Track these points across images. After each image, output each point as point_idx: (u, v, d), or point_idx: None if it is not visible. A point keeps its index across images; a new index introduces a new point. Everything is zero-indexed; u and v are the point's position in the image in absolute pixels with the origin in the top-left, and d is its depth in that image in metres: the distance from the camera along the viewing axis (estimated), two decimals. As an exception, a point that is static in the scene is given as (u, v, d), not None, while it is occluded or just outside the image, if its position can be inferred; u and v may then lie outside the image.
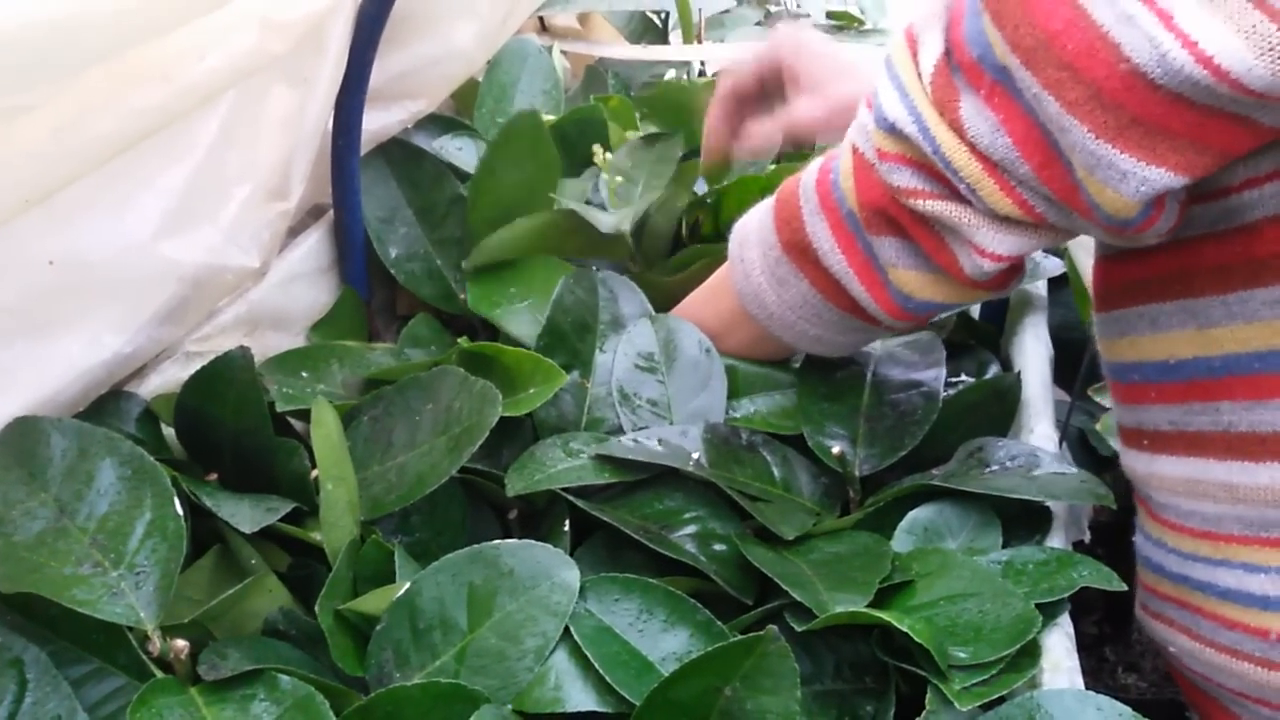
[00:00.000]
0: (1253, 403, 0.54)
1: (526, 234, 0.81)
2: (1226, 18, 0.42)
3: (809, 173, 0.63)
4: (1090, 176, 0.48)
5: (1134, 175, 0.46)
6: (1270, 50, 0.41)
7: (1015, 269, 0.59)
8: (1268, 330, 0.52)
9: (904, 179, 0.55)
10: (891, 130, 0.55)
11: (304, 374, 0.71)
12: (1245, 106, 0.44)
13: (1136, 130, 0.45)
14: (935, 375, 0.72)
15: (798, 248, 0.64)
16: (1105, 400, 1.03)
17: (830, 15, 1.62)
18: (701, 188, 0.90)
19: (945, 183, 0.54)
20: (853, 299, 0.63)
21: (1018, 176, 0.51)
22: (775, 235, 0.65)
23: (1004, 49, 0.48)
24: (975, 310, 0.91)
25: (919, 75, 0.54)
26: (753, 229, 0.67)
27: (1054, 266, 0.90)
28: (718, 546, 0.61)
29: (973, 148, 0.51)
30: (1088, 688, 0.51)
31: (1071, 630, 0.57)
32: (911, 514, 0.64)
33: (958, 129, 0.52)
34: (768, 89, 0.81)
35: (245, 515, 0.57)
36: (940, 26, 0.53)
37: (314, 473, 0.61)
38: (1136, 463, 0.63)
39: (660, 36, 1.41)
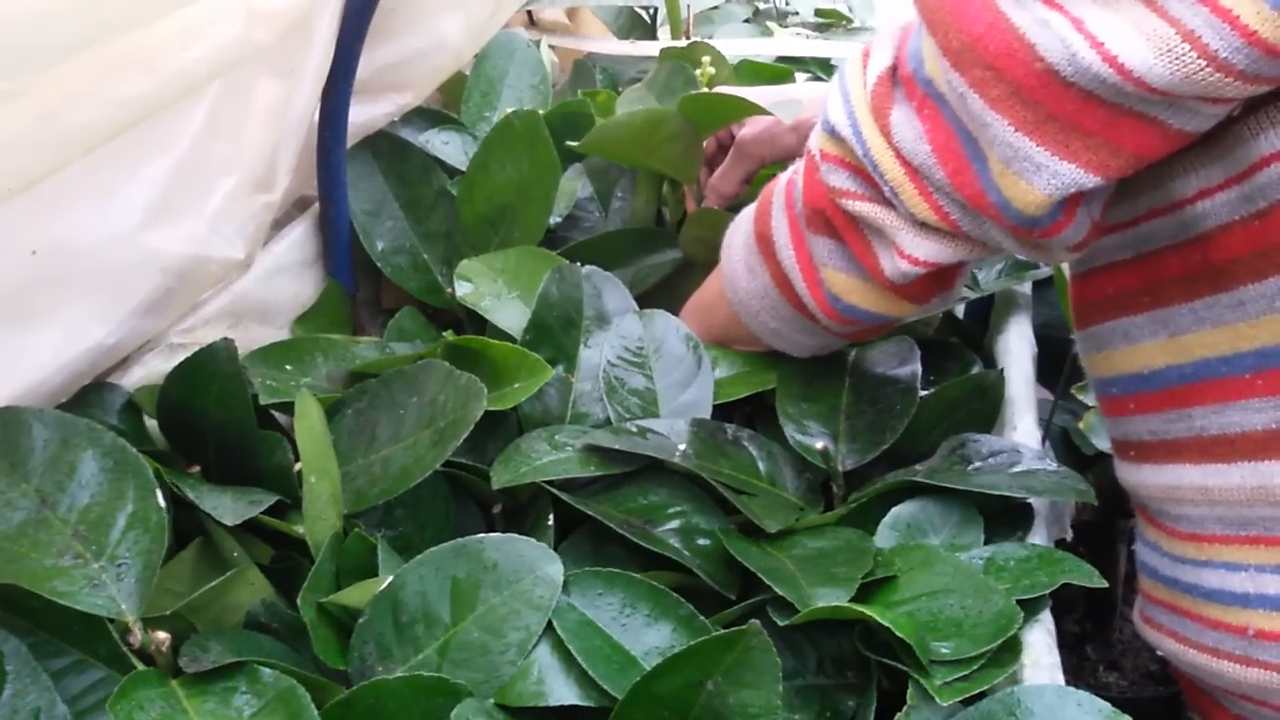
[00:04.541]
0: (1221, 405, 0.55)
1: (633, 126, 0.81)
2: (1130, 23, 0.44)
3: (788, 170, 0.66)
4: (1007, 169, 0.50)
5: (1047, 168, 0.48)
6: (1169, 51, 0.44)
7: (937, 282, 0.61)
8: (1232, 334, 0.54)
9: (839, 180, 0.58)
10: (832, 133, 0.58)
11: (288, 367, 0.71)
12: (1152, 106, 0.46)
13: (1053, 126, 0.48)
14: (911, 372, 0.73)
15: (765, 239, 0.66)
16: (1088, 399, 1.03)
17: (819, 13, 1.62)
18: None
19: (873, 185, 0.57)
20: (798, 295, 0.65)
21: (934, 183, 0.54)
22: (753, 225, 0.68)
23: (936, 54, 0.50)
24: (960, 310, 0.92)
25: (864, 84, 0.57)
26: (745, 217, 0.70)
27: (1043, 271, 0.90)
28: (701, 541, 0.61)
29: (898, 152, 0.54)
30: (1068, 685, 0.52)
31: (1053, 627, 0.57)
32: (894, 510, 0.64)
33: (886, 133, 0.55)
34: (724, 144, 0.91)
35: (228, 508, 0.57)
36: (893, 42, 0.56)
37: (297, 466, 0.60)
38: (1127, 473, 0.64)
39: (648, 32, 1.41)
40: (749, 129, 0.85)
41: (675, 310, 0.77)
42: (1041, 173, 0.49)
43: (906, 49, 0.55)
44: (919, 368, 0.73)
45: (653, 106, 0.84)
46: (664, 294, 0.84)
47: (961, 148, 0.52)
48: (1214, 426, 0.56)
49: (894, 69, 0.55)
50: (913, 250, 0.57)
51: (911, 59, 0.54)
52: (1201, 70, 0.43)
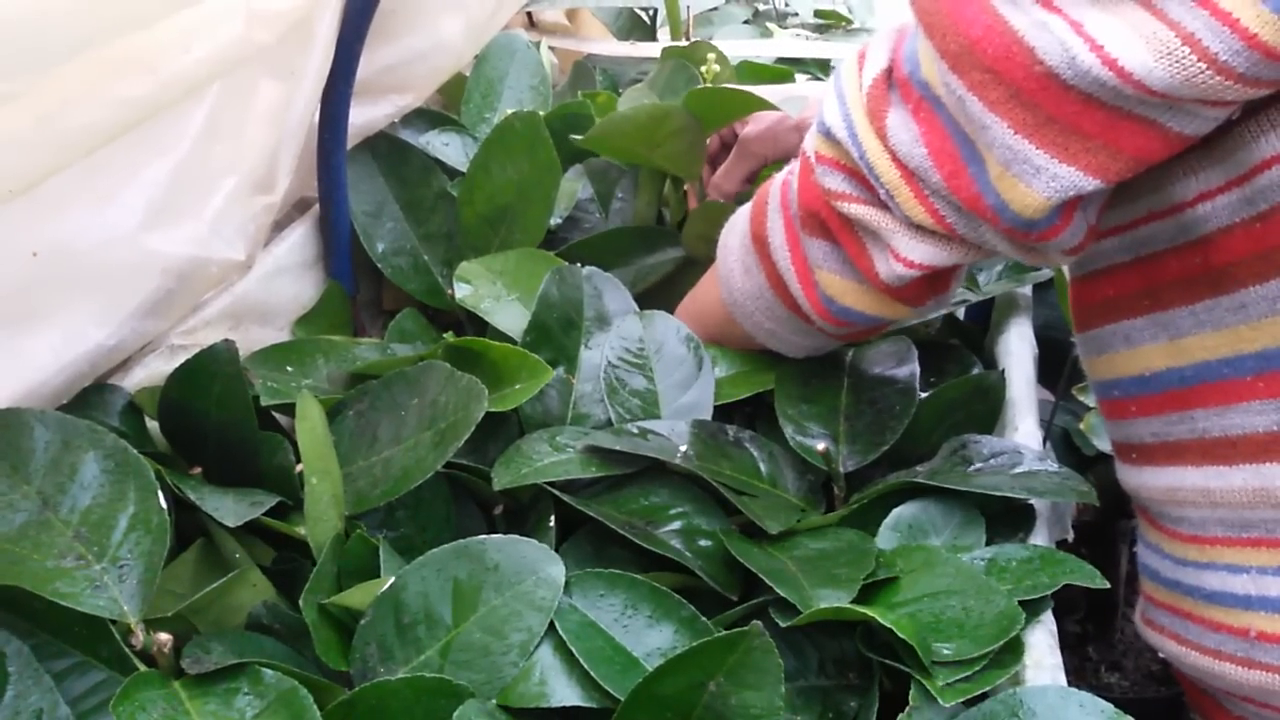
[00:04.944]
0: (1223, 408, 0.55)
1: (638, 121, 0.81)
2: (1129, 26, 0.44)
3: (784, 171, 0.66)
4: (1006, 172, 0.50)
5: (1046, 171, 0.48)
6: (1169, 55, 0.44)
7: (932, 285, 0.61)
8: (1233, 336, 0.54)
9: (835, 182, 0.58)
10: (828, 135, 0.58)
11: (289, 368, 0.71)
12: (1152, 109, 0.46)
13: (1052, 128, 0.48)
14: (909, 372, 0.73)
15: (760, 240, 0.66)
16: (1089, 400, 1.03)
17: (818, 14, 1.62)
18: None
19: (869, 188, 0.57)
20: (793, 297, 0.65)
21: (930, 186, 0.54)
22: (749, 225, 0.67)
23: (933, 57, 0.50)
24: (960, 311, 0.92)
25: (860, 86, 0.57)
26: (741, 217, 0.70)
27: (1044, 274, 0.90)
28: (703, 542, 0.61)
29: (894, 155, 0.54)
30: (1070, 686, 0.52)
31: (1054, 628, 0.57)
32: (896, 511, 0.64)
33: (882, 136, 0.55)
34: (728, 142, 0.92)
35: (229, 509, 0.57)
36: (889, 45, 0.56)
37: (298, 467, 0.60)
38: (1128, 476, 0.64)
39: (648, 33, 1.42)
40: (752, 127, 0.85)
41: (676, 310, 0.77)
42: (1041, 175, 0.49)
43: (902, 51, 0.55)
44: (917, 368, 0.73)
45: (657, 102, 0.84)
46: (665, 293, 0.83)
47: (958, 150, 0.52)
48: (1215, 429, 0.56)
49: (890, 71, 0.55)
50: (908, 253, 0.57)
51: (907, 61, 0.54)
52: (1201, 73, 0.43)
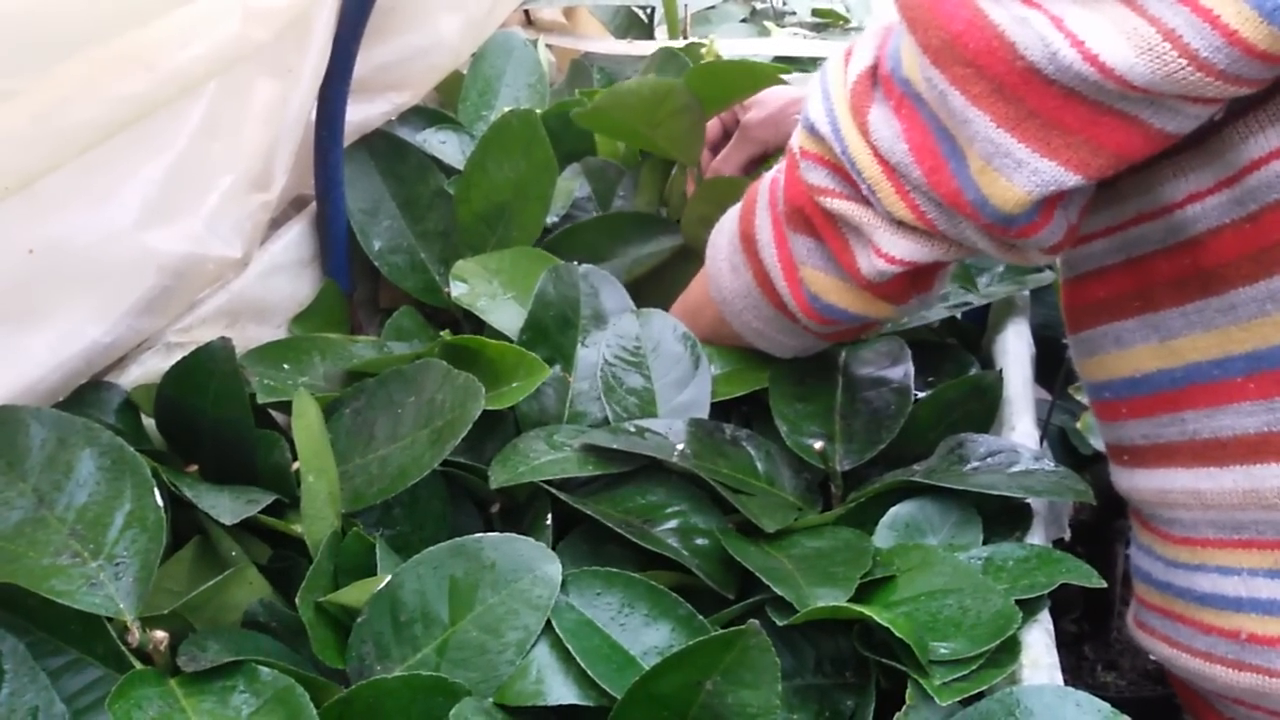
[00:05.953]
0: (1213, 409, 0.55)
1: (641, 95, 0.80)
2: (1110, 21, 0.44)
3: (773, 169, 0.66)
4: (987, 166, 0.50)
5: (1028, 165, 0.49)
6: (1149, 50, 0.44)
7: (914, 282, 0.61)
8: (1223, 337, 0.54)
9: (818, 177, 0.58)
10: (811, 130, 0.58)
11: (285, 366, 0.71)
12: (1133, 104, 0.46)
13: (1034, 123, 0.48)
14: (904, 372, 0.73)
15: (748, 238, 0.66)
16: (1085, 399, 1.03)
17: (816, 13, 1.62)
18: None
19: (851, 183, 0.57)
20: (779, 294, 0.65)
21: (911, 181, 0.54)
22: (737, 224, 0.68)
23: (915, 52, 0.50)
24: (958, 311, 0.92)
25: (845, 83, 0.57)
26: (730, 217, 0.70)
27: (1045, 277, 0.90)
28: (700, 541, 0.61)
29: (875, 150, 0.55)
30: (1067, 685, 0.52)
31: (1051, 627, 0.57)
32: (893, 510, 0.64)
33: (864, 131, 0.55)
34: (730, 129, 0.91)
35: (226, 507, 0.56)
36: (875, 43, 0.56)
37: (295, 465, 0.60)
38: (1121, 478, 0.64)
39: (646, 31, 1.41)
40: (755, 112, 0.85)
41: (668, 300, 0.77)
42: (1022, 169, 0.49)
43: (887, 49, 0.55)
44: (911, 367, 0.73)
45: (660, 79, 0.82)
46: (660, 283, 0.83)
47: (938, 146, 0.52)
48: (1205, 430, 0.56)
49: (874, 68, 0.56)
50: (889, 249, 0.57)
51: (890, 59, 0.54)
52: (1182, 69, 0.44)
